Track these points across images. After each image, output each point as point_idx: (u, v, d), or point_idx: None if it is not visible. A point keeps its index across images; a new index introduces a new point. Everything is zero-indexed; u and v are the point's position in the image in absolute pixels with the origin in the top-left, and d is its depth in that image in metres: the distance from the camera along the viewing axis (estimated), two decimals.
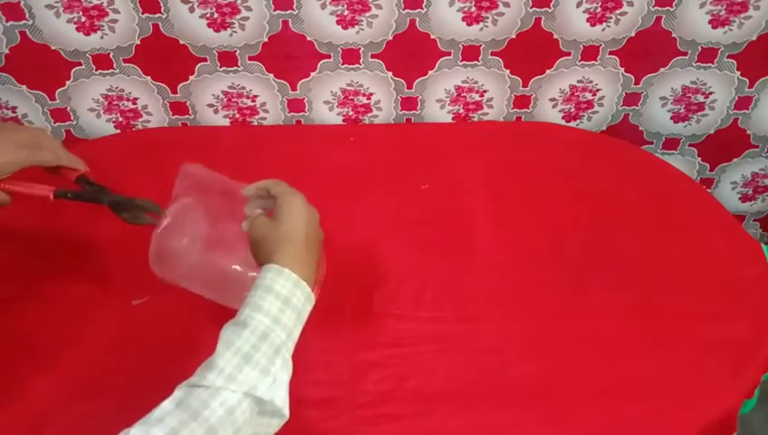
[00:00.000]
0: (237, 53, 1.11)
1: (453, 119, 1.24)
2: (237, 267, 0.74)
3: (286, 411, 0.56)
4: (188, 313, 0.77)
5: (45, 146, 0.72)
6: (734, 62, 1.16)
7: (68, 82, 1.13)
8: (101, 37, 1.07)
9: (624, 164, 1.11)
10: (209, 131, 1.20)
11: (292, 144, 1.15)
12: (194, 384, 0.53)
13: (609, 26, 1.10)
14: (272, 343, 0.56)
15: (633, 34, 1.12)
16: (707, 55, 1.15)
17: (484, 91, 1.19)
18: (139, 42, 1.08)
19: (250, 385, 0.53)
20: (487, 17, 1.08)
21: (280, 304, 0.58)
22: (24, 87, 1.13)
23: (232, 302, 0.69)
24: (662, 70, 1.17)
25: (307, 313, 0.61)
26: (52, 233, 0.93)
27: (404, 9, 1.06)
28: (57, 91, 1.14)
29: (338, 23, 1.08)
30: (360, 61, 1.13)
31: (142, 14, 1.05)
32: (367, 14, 1.07)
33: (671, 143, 1.30)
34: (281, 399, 0.55)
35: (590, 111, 1.24)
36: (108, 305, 0.84)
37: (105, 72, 1.12)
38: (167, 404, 0.52)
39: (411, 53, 1.13)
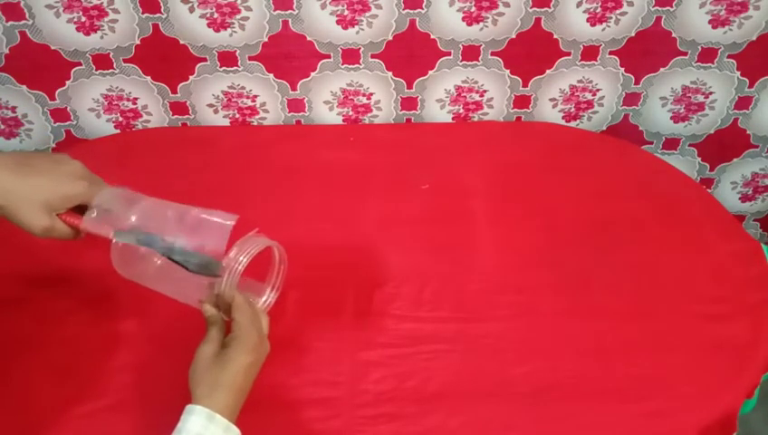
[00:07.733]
0: (237, 53, 1.11)
1: (453, 119, 1.24)
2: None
3: None
4: (188, 314, 0.77)
5: (98, 183, 0.69)
6: (734, 62, 1.16)
7: (68, 82, 1.13)
8: (101, 37, 1.07)
9: (624, 164, 1.11)
10: (209, 131, 1.20)
11: (292, 144, 1.15)
12: None
13: (609, 26, 1.10)
14: None
15: (633, 34, 1.12)
16: (707, 55, 1.15)
17: (484, 91, 1.19)
18: (139, 42, 1.08)
19: None
20: (487, 17, 1.08)
21: None
22: (24, 87, 1.13)
23: (186, 298, 0.71)
24: (662, 70, 1.17)
25: None
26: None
27: (404, 9, 1.06)
28: (57, 91, 1.14)
29: (338, 23, 1.08)
30: (360, 61, 1.13)
31: (142, 14, 1.05)
32: (367, 14, 1.07)
33: (671, 143, 1.30)
34: None
35: (590, 111, 1.24)
36: (108, 306, 0.84)
37: (105, 72, 1.12)
38: None
39: (411, 53, 1.13)
